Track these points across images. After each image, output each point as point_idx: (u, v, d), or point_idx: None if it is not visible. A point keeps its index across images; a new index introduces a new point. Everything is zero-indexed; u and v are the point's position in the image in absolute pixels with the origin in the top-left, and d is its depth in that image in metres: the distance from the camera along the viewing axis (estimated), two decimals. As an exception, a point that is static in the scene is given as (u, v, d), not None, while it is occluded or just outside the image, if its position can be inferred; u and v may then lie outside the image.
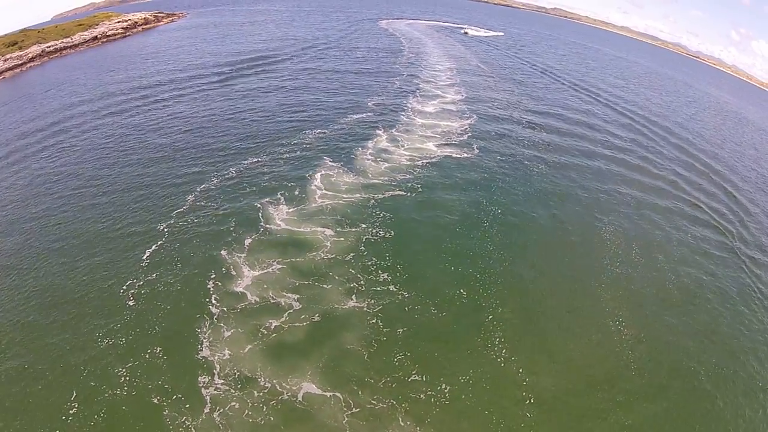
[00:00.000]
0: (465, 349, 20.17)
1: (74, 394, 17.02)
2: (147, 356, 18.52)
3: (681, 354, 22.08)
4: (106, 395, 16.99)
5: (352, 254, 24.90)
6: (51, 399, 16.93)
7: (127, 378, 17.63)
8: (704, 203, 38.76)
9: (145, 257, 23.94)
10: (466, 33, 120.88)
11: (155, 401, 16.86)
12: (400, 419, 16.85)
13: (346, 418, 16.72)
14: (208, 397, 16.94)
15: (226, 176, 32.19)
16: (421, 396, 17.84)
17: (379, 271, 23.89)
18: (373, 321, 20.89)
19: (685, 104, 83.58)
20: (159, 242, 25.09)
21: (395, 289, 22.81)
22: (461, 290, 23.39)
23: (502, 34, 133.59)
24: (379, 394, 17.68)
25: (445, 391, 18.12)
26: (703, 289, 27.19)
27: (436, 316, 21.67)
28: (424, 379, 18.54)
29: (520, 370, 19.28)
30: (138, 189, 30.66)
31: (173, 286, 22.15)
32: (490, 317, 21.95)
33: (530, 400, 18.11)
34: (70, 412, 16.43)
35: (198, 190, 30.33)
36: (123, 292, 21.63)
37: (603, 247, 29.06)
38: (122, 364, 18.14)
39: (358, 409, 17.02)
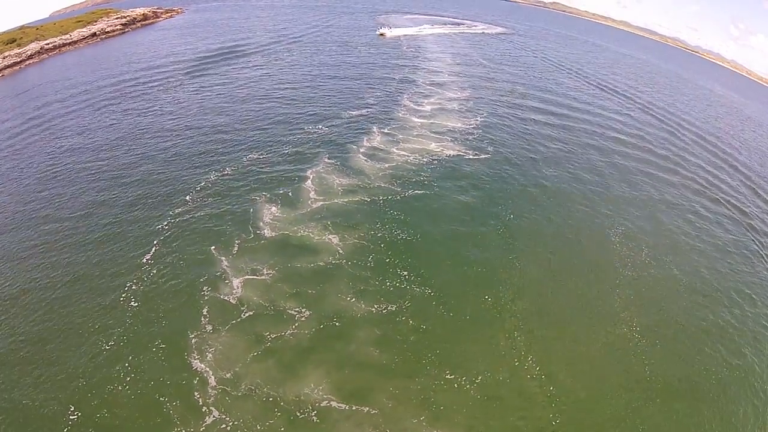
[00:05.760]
0: (488, 349, 19.90)
1: (75, 401, 16.65)
2: (148, 360, 18.12)
3: (695, 358, 21.64)
4: (107, 397, 16.66)
5: (363, 255, 24.46)
6: (52, 404, 16.57)
7: (129, 379, 17.28)
8: (724, 199, 38.62)
9: (145, 258, 23.50)
10: (382, 35, 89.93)
11: (158, 398, 16.56)
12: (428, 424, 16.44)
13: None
14: (213, 410, 16.43)
15: (225, 175, 31.66)
16: (449, 401, 17.44)
17: (396, 270, 23.57)
18: (400, 319, 20.62)
19: (694, 101, 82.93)
20: (158, 243, 24.62)
21: (410, 289, 22.41)
22: (478, 291, 23.00)
23: (453, 30, 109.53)
24: (407, 400, 17.23)
25: (472, 393, 17.78)
26: (723, 289, 26.82)
27: (455, 317, 21.24)
28: (455, 377, 18.26)
29: (547, 382, 18.76)
30: (137, 188, 30.15)
31: (174, 287, 21.70)
32: (508, 319, 21.60)
33: (555, 407, 17.75)
34: (72, 417, 16.05)
35: (197, 188, 29.85)
36: (124, 293, 21.20)
37: (615, 248, 28.56)
38: (122, 365, 17.76)
39: (388, 425, 16.36)
